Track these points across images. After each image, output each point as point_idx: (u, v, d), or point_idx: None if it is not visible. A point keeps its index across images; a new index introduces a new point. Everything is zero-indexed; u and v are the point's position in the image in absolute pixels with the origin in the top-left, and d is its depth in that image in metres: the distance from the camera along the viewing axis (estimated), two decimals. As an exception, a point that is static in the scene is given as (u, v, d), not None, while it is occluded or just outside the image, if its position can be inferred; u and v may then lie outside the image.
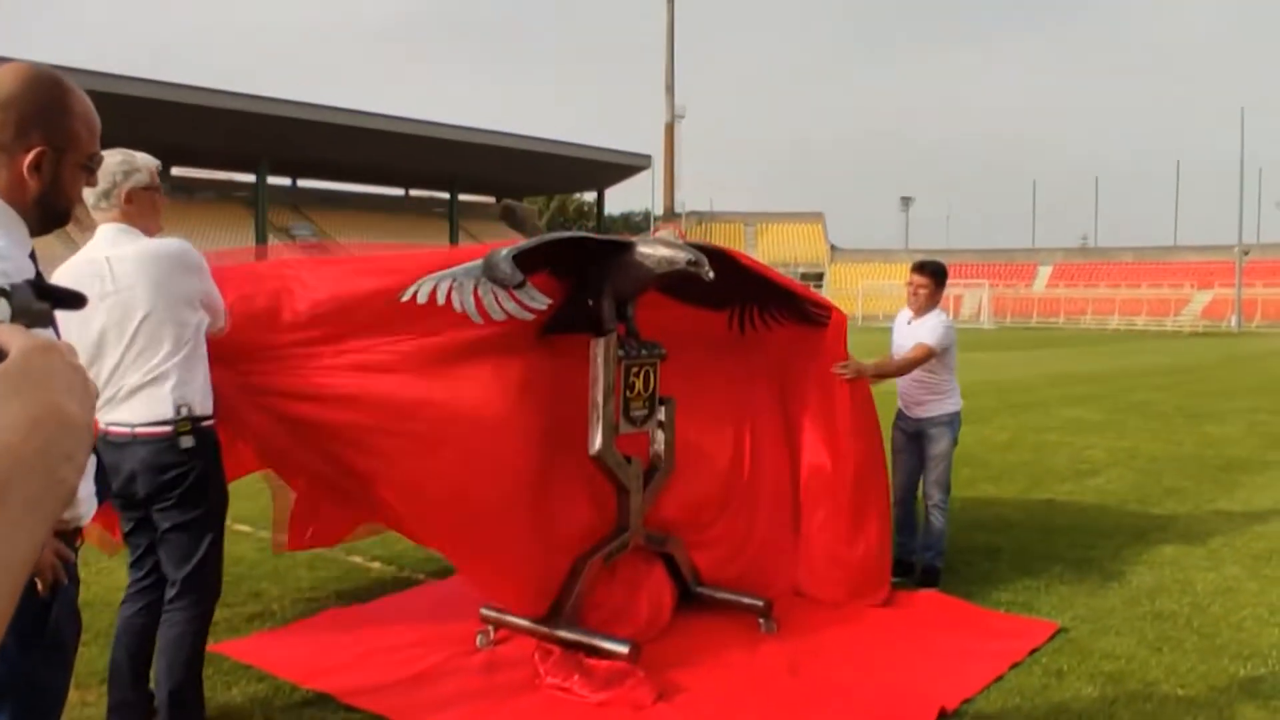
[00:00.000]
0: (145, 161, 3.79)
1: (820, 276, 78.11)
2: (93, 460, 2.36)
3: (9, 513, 0.69)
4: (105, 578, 5.48)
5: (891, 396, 6.27)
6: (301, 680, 4.31)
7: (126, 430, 3.51)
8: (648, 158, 77.50)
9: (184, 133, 55.48)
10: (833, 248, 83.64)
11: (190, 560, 3.64)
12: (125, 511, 3.72)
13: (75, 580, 2.51)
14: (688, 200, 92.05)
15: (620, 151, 74.77)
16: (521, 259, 4.29)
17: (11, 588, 0.69)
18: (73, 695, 4.11)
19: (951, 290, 71.78)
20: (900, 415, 6.28)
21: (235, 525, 6.00)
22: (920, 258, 7.33)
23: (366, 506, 4.63)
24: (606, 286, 4.68)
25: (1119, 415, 14.45)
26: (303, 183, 72.01)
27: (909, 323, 6.15)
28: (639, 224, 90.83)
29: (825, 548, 5.47)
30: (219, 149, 59.20)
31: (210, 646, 4.65)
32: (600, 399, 4.64)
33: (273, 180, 63.22)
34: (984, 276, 69.57)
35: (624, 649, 4.31)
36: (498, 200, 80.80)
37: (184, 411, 3.54)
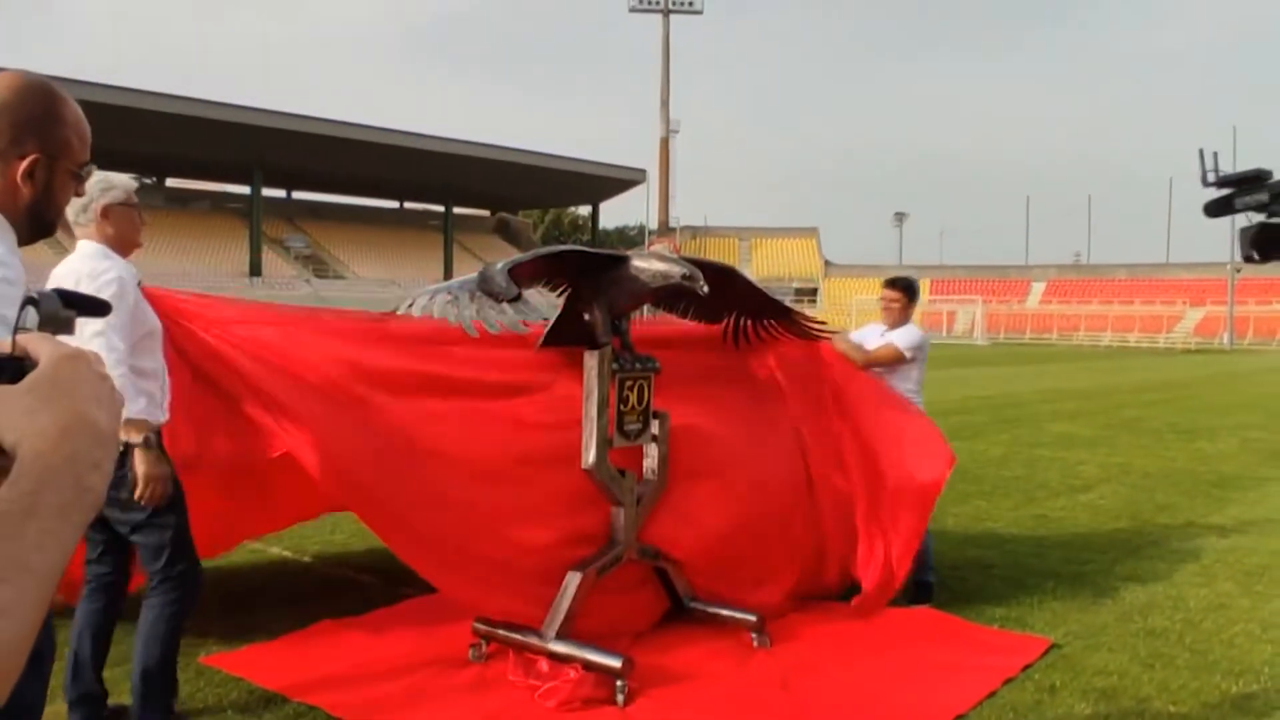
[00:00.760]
0: (121, 180, 3.92)
1: (814, 291, 78.28)
2: None
3: (41, 520, 0.71)
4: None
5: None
6: (292, 693, 4.29)
7: None
8: (643, 172, 77.70)
9: (178, 143, 55.53)
10: (827, 263, 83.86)
11: (161, 555, 3.79)
12: None
13: None
14: (682, 215, 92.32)
15: (615, 166, 74.91)
16: (517, 272, 4.30)
17: (44, 594, 0.70)
18: (61, 707, 4.11)
19: (945, 306, 71.90)
20: None
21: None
22: (914, 273, 7.38)
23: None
24: (601, 300, 4.69)
25: (1111, 431, 14.48)
26: (297, 194, 72.05)
27: (882, 335, 6.16)
28: (634, 238, 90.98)
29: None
30: (213, 160, 59.26)
31: (202, 659, 4.67)
32: (594, 412, 4.65)
33: (267, 192, 63.21)
34: (977, 292, 69.78)
35: (616, 662, 4.31)
36: (493, 214, 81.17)
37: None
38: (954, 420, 15.56)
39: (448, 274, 63.83)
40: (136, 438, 3.62)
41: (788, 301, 6.13)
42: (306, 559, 6.62)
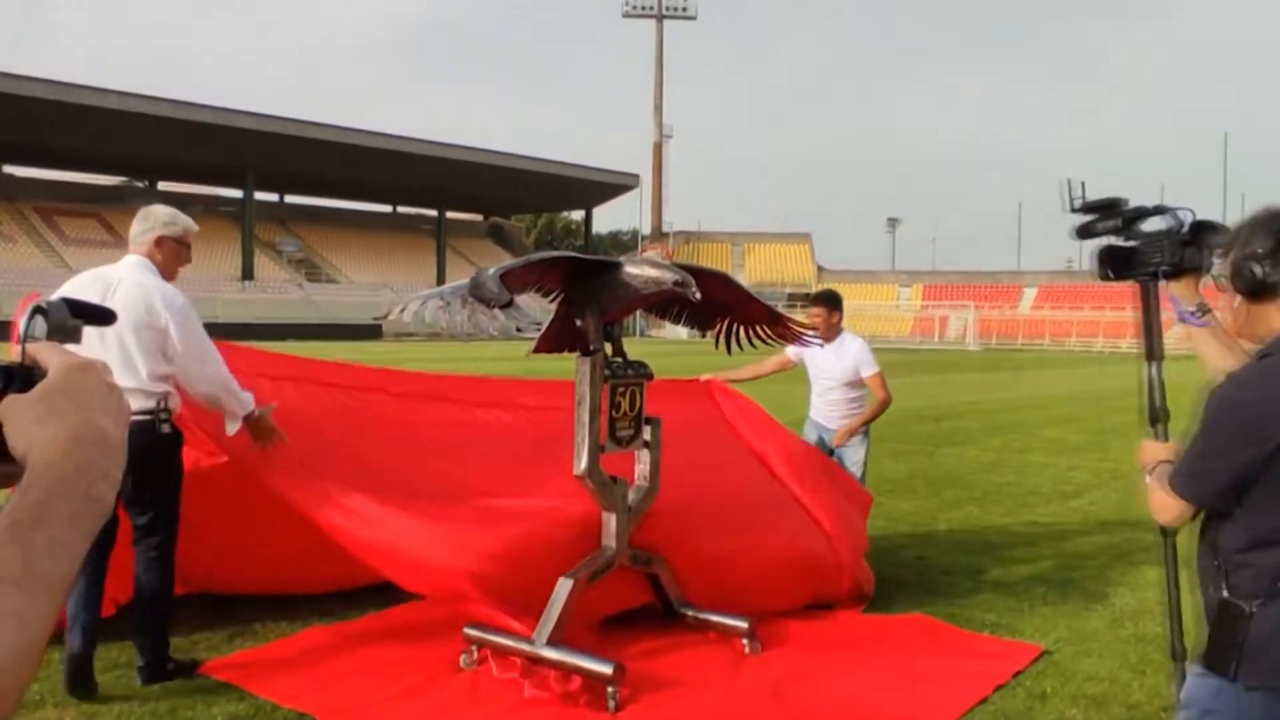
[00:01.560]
0: (184, 221, 4.71)
1: (807, 297, 78.38)
2: None
3: (51, 529, 0.71)
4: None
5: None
6: (282, 700, 4.28)
7: None
8: (636, 177, 77.87)
9: (172, 147, 55.52)
10: (820, 268, 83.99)
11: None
12: None
13: None
14: (675, 220, 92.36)
15: (608, 171, 75.05)
16: (509, 278, 4.30)
17: (55, 602, 0.71)
18: (50, 713, 4.10)
19: (937, 312, 71.93)
20: (816, 425, 6.81)
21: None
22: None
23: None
24: (594, 306, 4.69)
25: (1103, 437, 14.51)
26: (290, 198, 72.05)
27: (822, 348, 6.51)
28: (627, 243, 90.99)
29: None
30: (206, 163, 59.23)
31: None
32: (586, 418, 4.64)
33: (260, 195, 63.22)
34: (970, 298, 69.87)
35: (608, 669, 4.30)
36: (485, 218, 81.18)
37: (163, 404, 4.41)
38: (945, 426, 15.60)
39: (440, 278, 63.83)
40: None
41: (780, 307, 6.16)
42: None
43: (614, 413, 4.82)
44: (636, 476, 5.04)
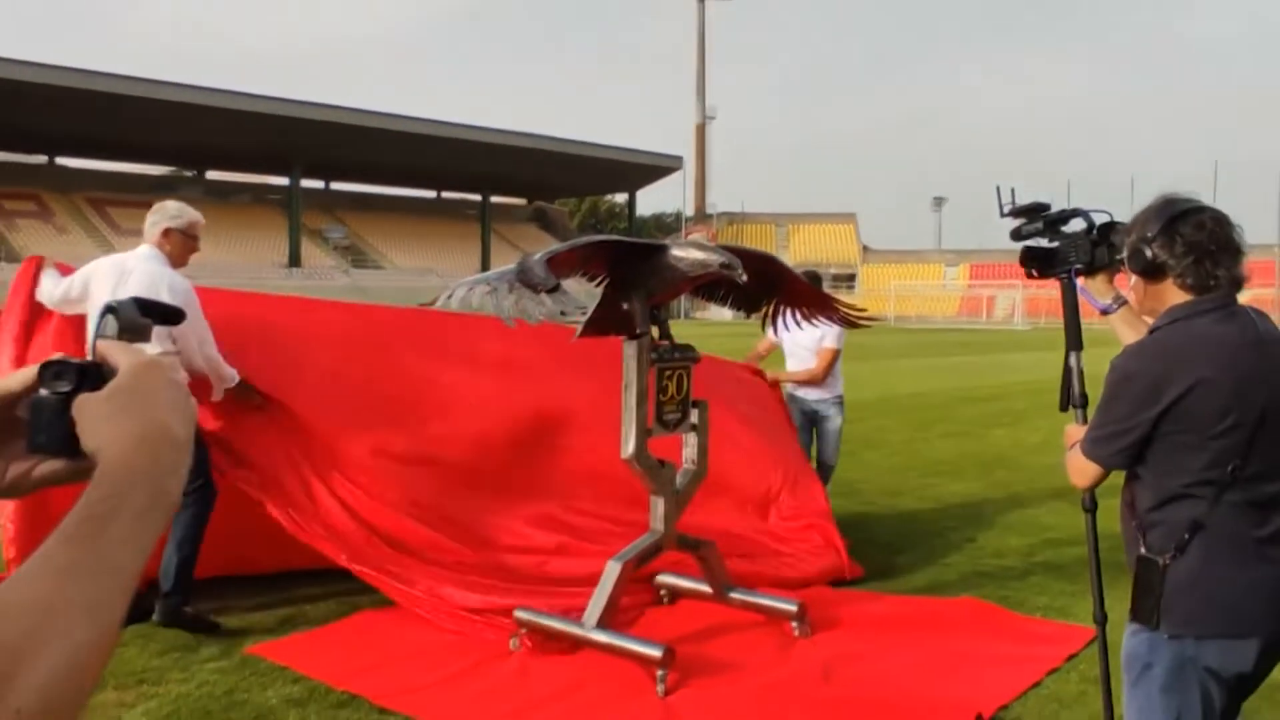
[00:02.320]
0: (189, 214, 5.16)
1: (852, 277, 77.85)
2: None
3: (121, 523, 0.73)
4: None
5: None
6: (336, 682, 4.33)
7: None
8: (679, 159, 77.54)
9: (218, 136, 56.08)
10: (865, 248, 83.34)
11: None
12: None
13: None
14: (719, 201, 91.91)
15: (651, 153, 74.83)
16: (555, 263, 4.29)
17: (125, 594, 0.73)
18: (111, 695, 4.18)
19: (984, 291, 71.29)
20: (794, 399, 7.10)
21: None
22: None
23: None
24: (639, 290, 4.67)
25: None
26: (336, 185, 72.54)
27: (800, 329, 6.47)
28: (670, 225, 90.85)
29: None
30: (253, 152, 59.80)
31: (246, 649, 4.74)
32: (633, 402, 4.64)
33: (306, 183, 63.72)
34: (1018, 277, 68.82)
35: (657, 652, 4.31)
36: (529, 202, 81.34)
37: None
38: (994, 406, 15.45)
39: (485, 263, 64.07)
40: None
41: (825, 288, 6.12)
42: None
43: (661, 396, 4.81)
44: (684, 460, 5.03)
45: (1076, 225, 3.13)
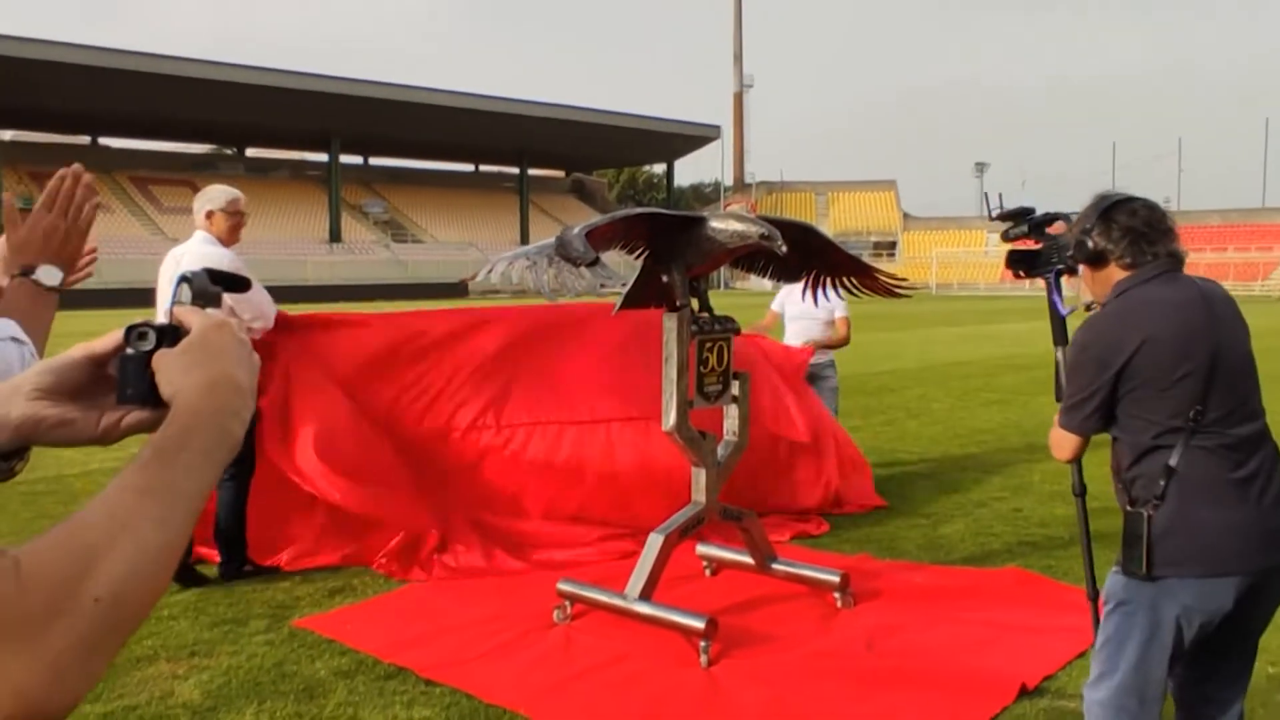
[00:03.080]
0: (224, 193, 5.50)
1: (893, 245, 77.19)
2: None
3: (190, 455, 0.86)
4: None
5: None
6: (383, 654, 4.38)
7: None
8: (717, 128, 77.06)
9: (258, 113, 56.43)
10: (905, 215, 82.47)
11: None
12: None
13: None
14: (758, 170, 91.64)
15: (689, 123, 74.41)
16: (594, 236, 4.29)
17: (191, 516, 0.84)
18: (164, 667, 4.26)
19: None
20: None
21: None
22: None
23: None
24: (679, 262, 4.66)
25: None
26: (374, 160, 72.83)
27: (801, 299, 6.72)
28: (709, 195, 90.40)
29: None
30: (292, 129, 60.13)
31: (294, 622, 4.81)
32: (674, 375, 4.63)
33: (345, 158, 64.04)
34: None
35: (700, 624, 4.32)
36: (567, 174, 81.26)
37: None
38: (1038, 375, 15.28)
39: (524, 235, 64.18)
40: None
41: (865, 257, 6.08)
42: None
43: (701, 368, 4.80)
44: (725, 431, 5.03)
45: (1058, 227, 3.35)
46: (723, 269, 5.35)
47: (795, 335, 7.62)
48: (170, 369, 0.92)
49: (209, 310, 0.99)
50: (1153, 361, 2.63)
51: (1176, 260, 2.77)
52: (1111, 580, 2.80)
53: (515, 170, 72.26)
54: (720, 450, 4.94)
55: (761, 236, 4.40)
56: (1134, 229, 2.74)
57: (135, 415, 0.96)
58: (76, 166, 1.75)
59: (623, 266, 5.19)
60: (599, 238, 4.33)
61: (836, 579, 5.03)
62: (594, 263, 4.21)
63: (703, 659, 4.27)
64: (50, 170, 1.87)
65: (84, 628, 0.74)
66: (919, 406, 12.07)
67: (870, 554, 5.90)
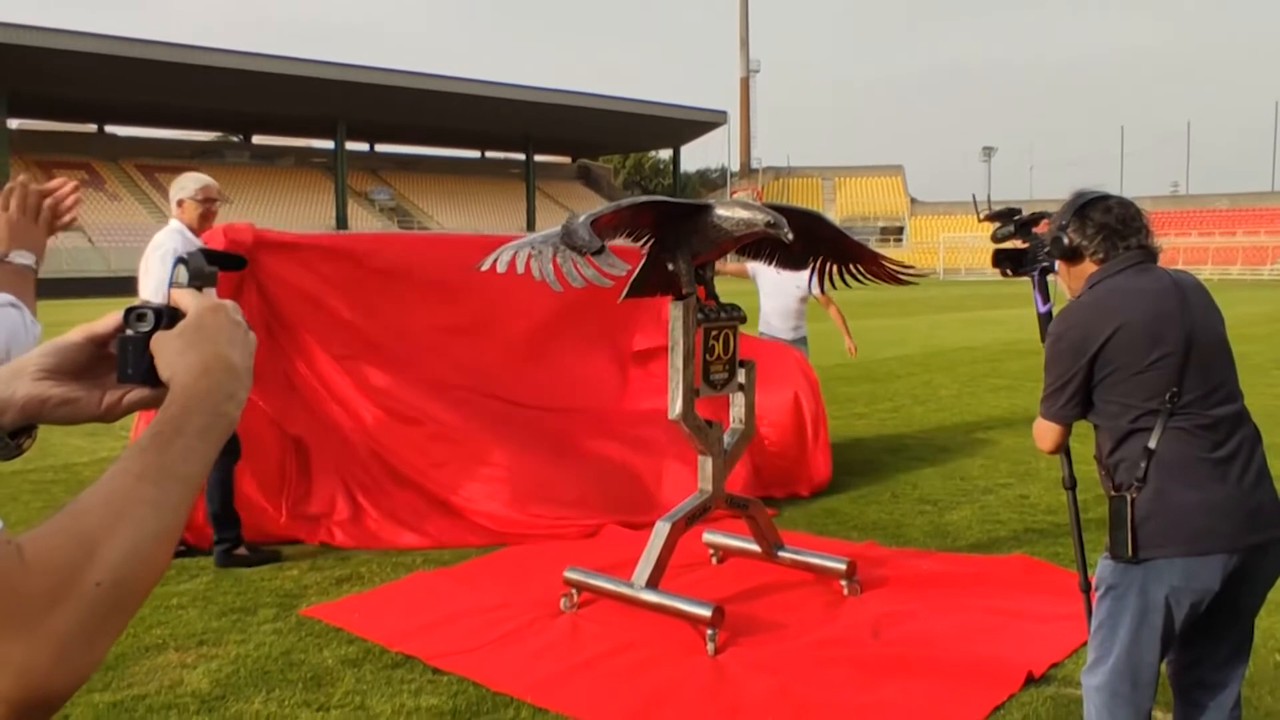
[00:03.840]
0: (198, 182, 5.58)
1: (900, 230, 76.97)
2: None
3: (186, 439, 0.88)
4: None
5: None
6: (390, 643, 4.40)
7: None
8: (723, 114, 76.79)
9: (264, 101, 56.36)
10: (912, 200, 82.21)
11: None
12: None
13: None
14: (764, 156, 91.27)
15: (695, 108, 74.19)
16: (599, 224, 4.28)
17: (187, 499, 0.86)
18: (173, 656, 4.28)
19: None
20: (770, 337, 7.81)
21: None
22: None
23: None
24: (684, 250, 4.65)
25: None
26: (380, 147, 72.73)
27: (778, 274, 6.98)
28: (715, 181, 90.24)
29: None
30: (298, 116, 60.03)
31: (301, 610, 4.82)
32: (680, 363, 4.63)
33: (351, 145, 63.92)
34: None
35: (707, 611, 4.33)
36: (574, 160, 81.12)
37: None
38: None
39: (530, 222, 64.09)
40: None
41: (872, 242, 6.07)
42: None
43: (708, 356, 4.80)
44: (731, 419, 5.03)
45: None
46: (729, 257, 5.37)
47: (773, 313, 7.87)
48: (167, 350, 0.94)
49: (206, 291, 1.01)
50: (1126, 346, 2.70)
51: (1149, 253, 2.85)
52: (1101, 566, 2.84)
53: (521, 156, 72.13)
54: (727, 438, 4.94)
55: (768, 224, 4.38)
56: (1108, 225, 2.82)
57: (136, 394, 0.98)
58: (24, 178, 1.90)
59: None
60: (604, 226, 4.32)
61: (843, 566, 5.04)
62: (599, 251, 4.21)
63: (709, 647, 4.28)
64: (57, 158, 1.99)
65: (86, 611, 0.76)
66: (925, 393, 12.06)
67: (877, 541, 5.91)
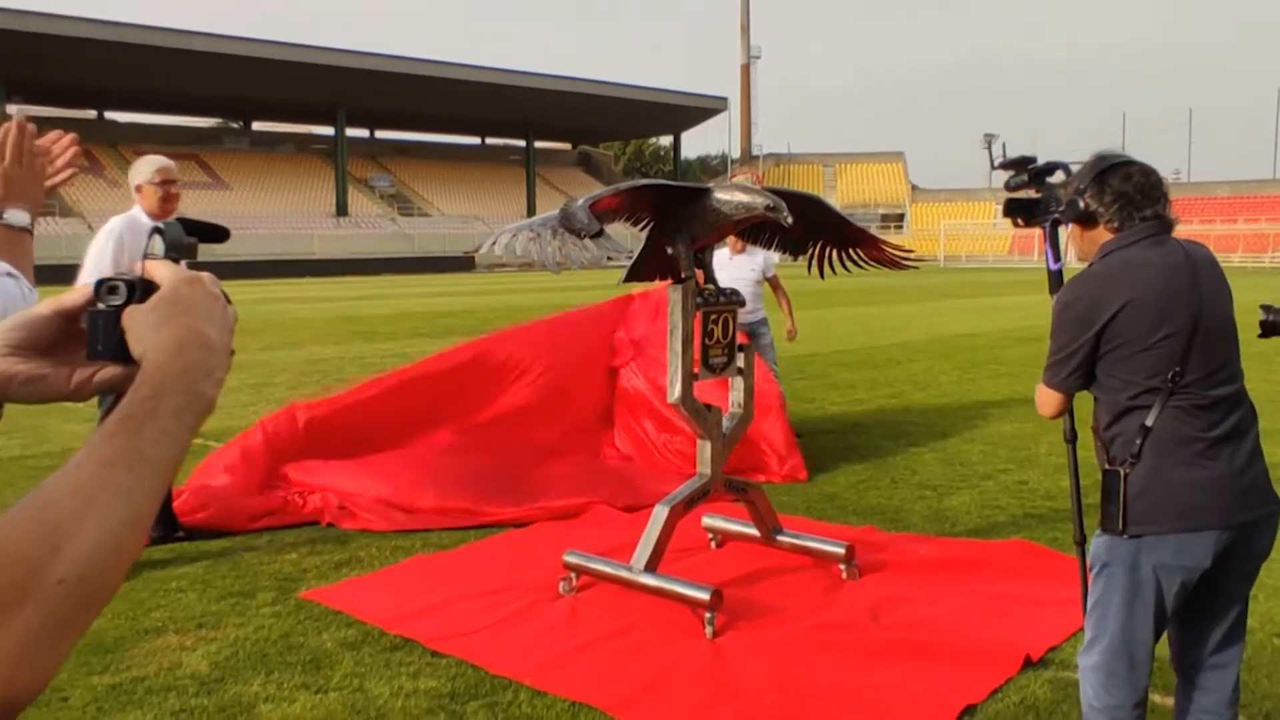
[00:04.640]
0: (153, 165, 5.47)
1: (901, 217, 76.85)
2: None
3: (160, 421, 0.82)
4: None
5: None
6: (389, 626, 4.40)
7: None
8: (724, 100, 76.68)
9: (264, 87, 56.25)
10: (913, 187, 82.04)
11: None
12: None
13: None
14: (765, 142, 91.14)
15: (696, 95, 74.07)
16: (598, 208, 4.26)
17: (160, 484, 0.81)
18: (172, 639, 4.28)
19: (1037, 230, 70.42)
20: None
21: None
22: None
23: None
24: (684, 233, 4.64)
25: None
26: (380, 134, 72.60)
27: (731, 258, 7.74)
28: (716, 167, 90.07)
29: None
30: (298, 102, 59.95)
31: (300, 594, 4.83)
32: (679, 347, 4.62)
33: (351, 132, 63.82)
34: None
35: (705, 595, 4.33)
36: (574, 147, 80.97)
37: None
38: (1045, 346, 15.22)
39: (530, 208, 64.00)
40: None
41: (873, 229, 6.06)
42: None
43: (706, 340, 4.79)
44: (730, 404, 5.03)
45: (1058, 177, 3.35)
46: (728, 240, 5.36)
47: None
48: (139, 326, 0.88)
49: (183, 263, 0.95)
50: (1134, 322, 2.68)
51: (1164, 224, 2.80)
52: (1095, 544, 2.84)
53: (521, 143, 72.04)
54: (725, 423, 4.94)
55: (767, 208, 4.37)
56: (1126, 194, 2.77)
57: (107, 371, 0.93)
58: (18, 114, 1.81)
59: (628, 239, 5.17)
60: (603, 209, 4.31)
61: (842, 551, 5.04)
62: (598, 234, 4.20)
63: (708, 630, 4.28)
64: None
65: (49, 611, 0.71)
66: (926, 379, 12.05)
67: (876, 526, 5.91)
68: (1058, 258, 3.33)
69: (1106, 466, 2.77)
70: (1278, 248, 61.42)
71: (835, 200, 67.52)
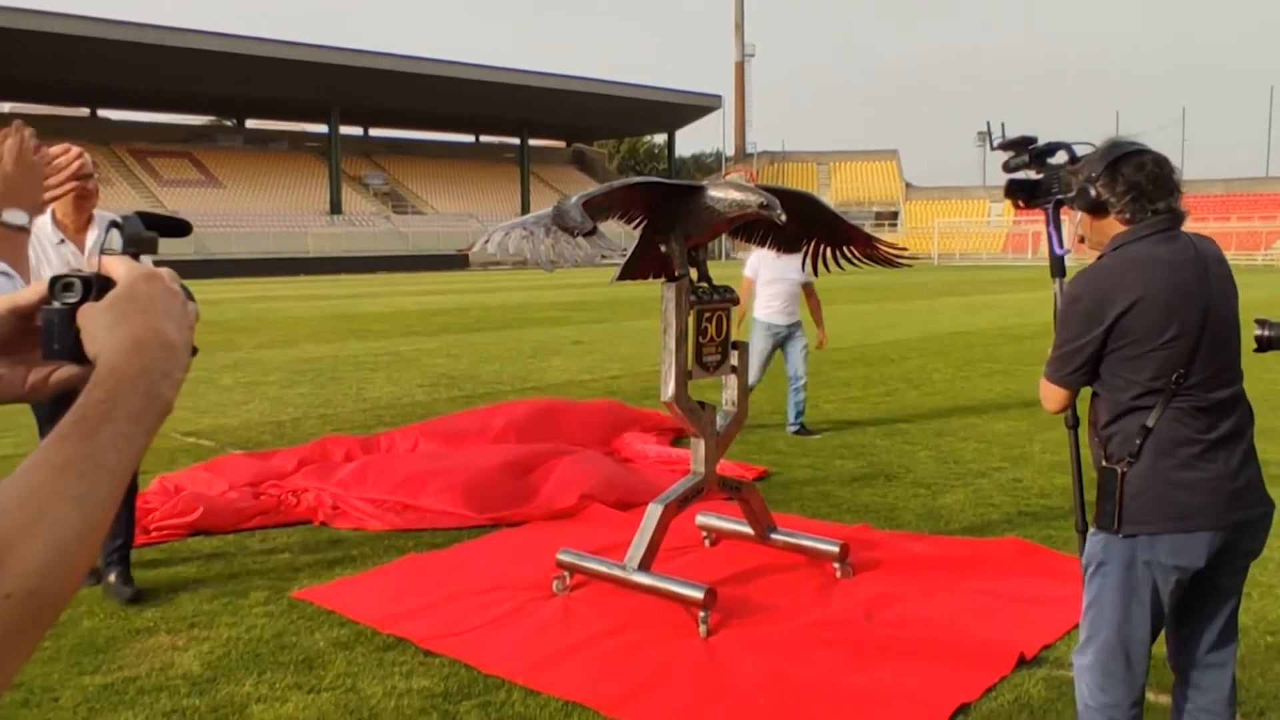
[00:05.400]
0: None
1: (895, 215, 76.89)
2: None
3: (115, 425, 0.77)
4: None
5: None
6: (382, 625, 4.39)
7: None
8: (718, 98, 76.66)
9: (257, 85, 56.14)
10: (907, 185, 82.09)
11: None
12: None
13: None
14: (759, 140, 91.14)
15: (690, 92, 74.07)
16: (591, 205, 4.25)
17: (116, 491, 0.76)
18: (164, 639, 4.26)
19: (1031, 227, 70.26)
20: (769, 325, 8.41)
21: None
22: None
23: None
24: (677, 231, 4.63)
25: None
26: (374, 132, 72.51)
27: (779, 256, 7.34)
28: (710, 165, 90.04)
29: None
30: (291, 100, 59.83)
31: (293, 593, 4.81)
32: (672, 345, 4.61)
33: (345, 129, 63.75)
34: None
35: (699, 594, 4.32)
36: (568, 145, 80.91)
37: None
38: (1040, 345, 15.21)
39: (524, 206, 63.97)
40: None
41: (867, 227, 6.04)
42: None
43: (700, 338, 4.78)
44: (724, 402, 5.02)
45: (1060, 158, 3.32)
46: (723, 240, 5.39)
47: (772, 298, 8.29)
48: (94, 324, 0.84)
49: (141, 259, 0.91)
50: (1143, 322, 2.64)
51: (1176, 217, 2.75)
52: (1090, 543, 2.83)
53: (516, 141, 71.98)
54: (719, 420, 4.93)
55: (760, 205, 4.36)
56: (1138, 185, 2.71)
57: (64, 371, 0.89)
58: (21, 127, 1.83)
59: (621, 237, 5.16)
60: (597, 207, 4.29)
61: (836, 549, 5.03)
62: (591, 232, 4.18)
63: (702, 629, 4.27)
64: (49, 143, 1.91)
65: None
66: (920, 377, 12.06)
67: (870, 524, 5.90)
68: (1062, 242, 3.28)
69: (1103, 463, 2.75)
70: (1270, 245, 61.55)
71: (829, 198, 67.60)
